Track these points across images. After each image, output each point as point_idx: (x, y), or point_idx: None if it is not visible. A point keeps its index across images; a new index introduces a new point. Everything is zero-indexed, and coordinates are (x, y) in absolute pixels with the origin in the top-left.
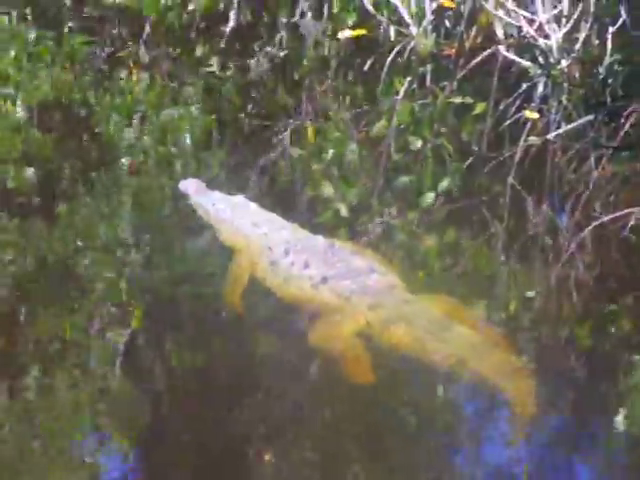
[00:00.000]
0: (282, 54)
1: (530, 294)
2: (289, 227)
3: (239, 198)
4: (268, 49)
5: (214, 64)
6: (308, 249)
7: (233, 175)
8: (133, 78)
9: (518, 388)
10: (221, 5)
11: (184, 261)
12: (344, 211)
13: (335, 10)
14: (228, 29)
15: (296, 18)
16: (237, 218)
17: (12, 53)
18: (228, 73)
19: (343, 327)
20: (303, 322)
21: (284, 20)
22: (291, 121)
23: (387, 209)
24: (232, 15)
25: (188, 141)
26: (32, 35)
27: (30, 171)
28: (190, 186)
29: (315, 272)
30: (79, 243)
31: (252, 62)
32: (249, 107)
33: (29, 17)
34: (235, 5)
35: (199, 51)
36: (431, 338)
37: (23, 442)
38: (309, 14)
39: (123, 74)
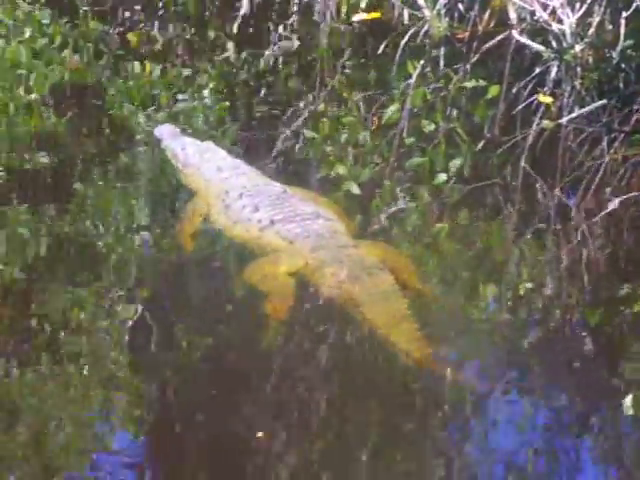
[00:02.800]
0: (295, 37)
1: (538, 277)
2: (250, 174)
3: (208, 144)
4: (281, 33)
5: (228, 49)
6: (261, 194)
7: (246, 156)
8: (147, 64)
9: (407, 336)
10: None
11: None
12: (355, 189)
13: None
14: (241, 13)
15: None
16: (203, 162)
17: (26, 36)
18: (242, 57)
19: (278, 266)
20: None
21: (297, 2)
22: (304, 105)
23: (399, 189)
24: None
25: (202, 125)
26: (46, 18)
27: (44, 153)
28: (164, 131)
29: (264, 215)
30: (92, 225)
31: (264, 45)
32: (262, 92)
33: (42, 1)
34: None
35: (212, 35)
36: (350, 281)
37: (34, 425)
38: None
39: (136, 58)
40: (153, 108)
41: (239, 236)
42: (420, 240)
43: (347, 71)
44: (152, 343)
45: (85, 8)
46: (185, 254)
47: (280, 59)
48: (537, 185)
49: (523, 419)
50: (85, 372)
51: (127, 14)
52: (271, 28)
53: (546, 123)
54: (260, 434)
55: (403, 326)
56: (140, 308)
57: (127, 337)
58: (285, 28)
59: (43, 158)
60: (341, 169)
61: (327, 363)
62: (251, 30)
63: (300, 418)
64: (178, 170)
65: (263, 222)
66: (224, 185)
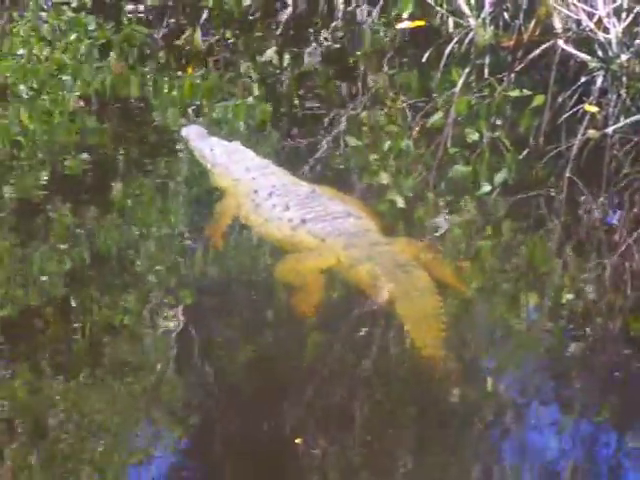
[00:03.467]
0: (337, 44)
1: (582, 288)
2: (279, 173)
3: (236, 144)
4: (324, 38)
5: (271, 53)
6: (291, 193)
7: (288, 162)
8: (189, 68)
9: (427, 335)
10: None
11: (237, 251)
12: (399, 200)
13: None
14: (284, 17)
15: (352, 7)
16: (232, 162)
17: (71, 42)
18: (285, 62)
19: (308, 263)
20: None
21: (341, 8)
22: (346, 112)
23: (443, 199)
24: (289, 4)
25: (243, 130)
26: (91, 24)
27: (86, 157)
28: (191, 132)
29: (295, 214)
30: (133, 231)
31: (308, 51)
32: (305, 97)
33: (88, 5)
34: None
35: (255, 39)
36: (386, 278)
37: (78, 431)
38: (364, 4)
39: (179, 62)
40: (195, 112)
41: (270, 235)
42: (464, 251)
43: (390, 78)
44: (194, 350)
45: (130, 15)
46: (224, 259)
47: (322, 64)
48: (582, 195)
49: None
50: (128, 381)
51: (172, 19)
52: (313, 34)
53: (592, 133)
54: (298, 440)
55: (429, 323)
56: (182, 315)
57: (169, 344)
58: (328, 33)
59: (85, 162)
60: (384, 178)
61: (363, 363)
62: (294, 35)
63: (337, 420)
64: (207, 170)
65: (294, 221)
66: (253, 184)
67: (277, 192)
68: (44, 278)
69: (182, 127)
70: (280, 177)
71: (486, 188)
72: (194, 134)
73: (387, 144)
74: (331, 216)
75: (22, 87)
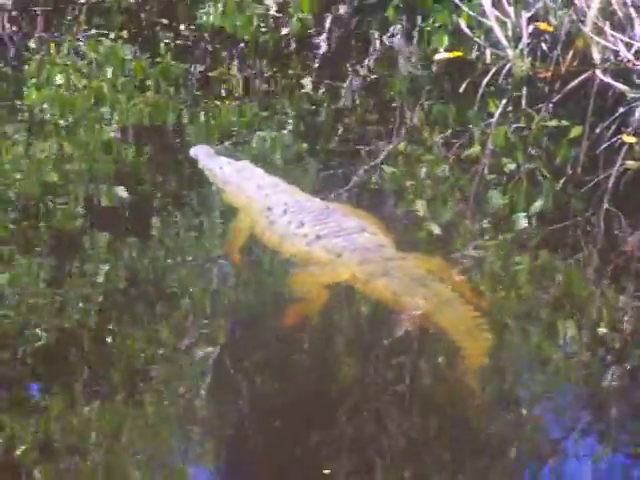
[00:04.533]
0: (374, 76)
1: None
2: (290, 190)
3: (245, 163)
4: (360, 71)
5: (307, 85)
6: (305, 210)
7: (325, 191)
8: (225, 100)
9: (473, 342)
10: (312, 29)
11: (271, 278)
12: (437, 230)
13: (428, 29)
14: (320, 52)
15: (387, 39)
16: (242, 180)
17: (108, 74)
18: (320, 94)
19: (322, 277)
20: None
21: (377, 41)
22: (383, 144)
23: (479, 228)
24: (323, 38)
25: (279, 162)
26: (128, 56)
27: (122, 190)
28: (200, 151)
29: (309, 231)
30: (169, 260)
31: (344, 84)
32: (341, 129)
33: (125, 37)
34: (326, 29)
35: (292, 72)
36: (405, 292)
37: (113, 456)
38: (399, 36)
39: (216, 95)
40: (231, 145)
41: (286, 251)
42: (500, 280)
43: (427, 109)
44: (229, 377)
45: (166, 45)
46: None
47: (359, 97)
48: (619, 225)
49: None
50: (164, 404)
51: (209, 49)
52: (349, 67)
53: (630, 163)
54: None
55: (474, 331)
56: (217, 343)
57: (204, 372)
58: (364, 66)
59: (122, 193)
60: (421, 207)
61: (399, 381)
62: (330, 68)
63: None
64: (218, 189)
65: (309, 237)
66: (266, 202)
67: (291, 209)
68: (80, 306)
69: (190, 148)
70: (292, 194)
71: (523, 217)
72: (203, 153)
73: (424, 173)
74: (345, 232)
75: (59, 117)
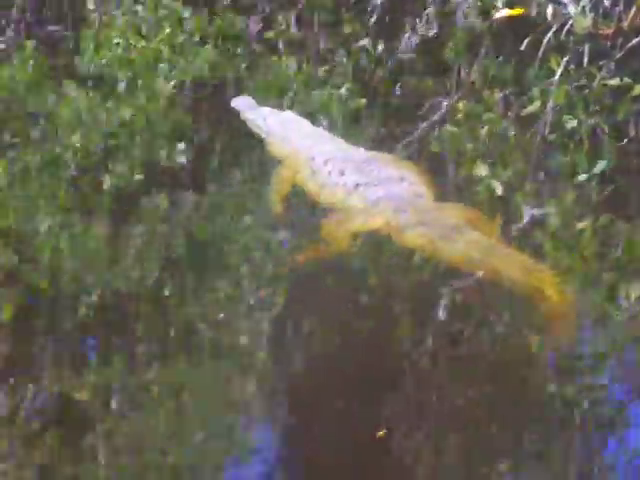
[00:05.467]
0: (432, 32)
1: None
2: (335, 141)
3: (289, 113)
4: (418, 26)
5: (365, 41)
6: (347, 159)
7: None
8: (283, 58)
9: (540, 278)
10: None
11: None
12: (499, 190)
13: None
14: (376, 5)
15: None
16: (287, 131)
17: (166, 30)
18: (379, 50)
19: (355, 223)
20: None
21: None
22: (442, 100)
23: (541, 188)
24: None
25: (338, 120)
26: (186, 13)
27: (183, 147)
28: (242, 103)
29: (349, 179)
30: (226, 220)
31: (402, 40)
32: (399, 86)
33: None
34: None
35: (349, 28)
36: (443, 241)
37: (170, 419)
38: None
39: (274, 53)
40: (290, 102)
41: (326, 200)
42: (562, 241)
43: (486, 67)
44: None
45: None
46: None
47: (417, 53)
48: None
49: None
50: (223, 372)
51: (266, 8)
52: (407, 22)
53: None
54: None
55: (534, 267)
56: (273, 310)
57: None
58: (422, 21)
59: (182, 153)
60: (482, 167)
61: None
62: (387, 22)
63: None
64: (263, 139)
65: (348, 185)
66: (310, 152)
67: (333, 158)
68: (138, 266)
69: (231, 99)
70: (337, 144)
71: (585, 177)
72: (244, 105)
73: (484, 131)
74: (385, 181)
75: (119, 76)
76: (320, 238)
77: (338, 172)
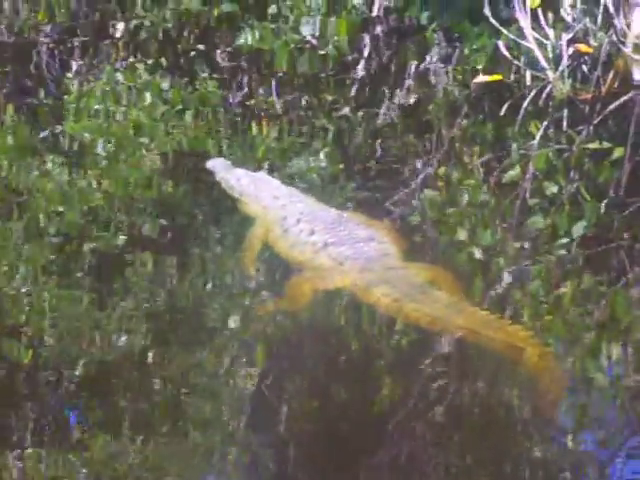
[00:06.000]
0: (412, 100)
1: None
2: (306, 201)
3: (261, 174)
4: (398, 95)
5: (345, 109)
6: (318, 219)
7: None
8: (264, 128)
9: (510, 333)
10: (349, 53)
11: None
12: (478, 254)
13: (466, 52)
14: (358, 76)
15: (425, 63)
16: (259, 191)
17: (147, 101)
18: (359, 117)
19: (322, 282)
20: None
21: (413, 64)
22: (421, 166)
23: (521, 252)
24: (362, 63)
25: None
26: (166, 83)
27: (162, 221)
28: (217, 164)
29: (318, 239)
30: (208, 288)
31: (382, 108)
32: (379, 153)
33: (163, 65)
34: (365, 53)
35: (330, 97)
36: (407, 300)
37: None
38: (437, 60)
39: (254, 123)
40: (269, 170)
41: (295, 259)
42: (542, 304)
43: (467, 132)
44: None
45: (204, 75)
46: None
47: (396, 119)
48: None
49: None
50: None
51: (245, 79)
52: (387, 92)
53: None
54: None
55: (498, 324)
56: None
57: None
58: (402, 90)
59: (161, 224)
60: (461, 233)
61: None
62: (367, 94)
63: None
64: (236, 199)
65: (317, 245)
66: (282, 212)
67: (305, 218)
68: (121, 335)
69: (207, 161)
70: (308, 204)
71: (565, 241)
72: (220, 166)
73: (464, 197)
74: (353, 240)
75: (99, 147)
76: (285, 294)
77: (308, 231)
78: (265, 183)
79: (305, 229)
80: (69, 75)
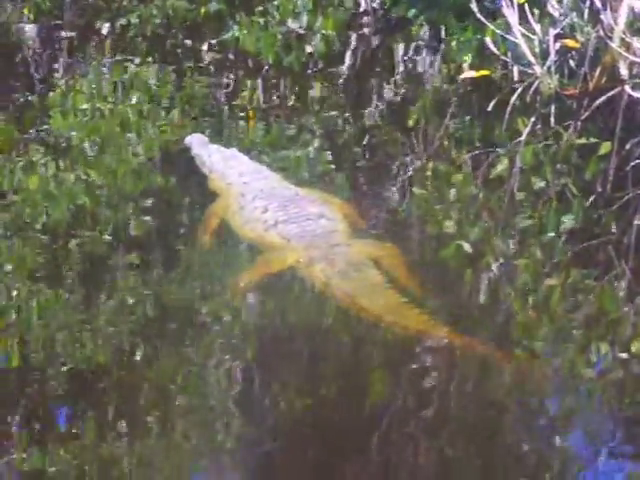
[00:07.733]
0: (399, 96)
1: None
2: (271, 178)
3: (233, 151)
4: (385, 91)
5: (332, 104)
6: (274, 197)
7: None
8: (250, 123)
9: (409, 317)
10: (336, 48)
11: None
12: (467, 247)
13: (453, 48)
14: (344, 70)
15: (412, 57)
16: (227, 168)
17: (134, 98)
18: (345, 115)
19: (273, 263)
20: None
21: (401, 59)
22: (409, 162)
23: (509, 247)
24: (347, 57)
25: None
26: (153, 79)
27: (149, 217)
28: (194, 140)
29: (270, 216)
30: (196, 286)
31: (368, 104)
32: (366, 150)
33: (150, 62)
34: (351, 47)
35: (316, 92)
36: (338, 278)
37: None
38: (425, 54)
39: (241, 118)
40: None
41: (246, 235)
42: (530, 298)
43: (453, 128)
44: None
45: (190, 65)
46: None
47: (385, 116)
48: None
49: None
50: (192, 431)
51: (231, 74)
52: (373, 87)
53: None
54: None
55: (406, 311)
56: (244, 369)
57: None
58: (390, 86)
59: (148, 220)
60: (450, 226)
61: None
62: (354, 89)
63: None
64: (206, 176)
65: (268, 222)
66: (242, 188)
67: (261, 195)
68: (108, 333)
69: (186, 137)
70: (270, 182)
71: (553, 235)
72: (196, 142)
73: (452, 193)
74: (303, 218)
75: (86, 144)
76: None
77: (262, 209)
78: (234, 159)
79: (259, 206)
80: (55, 72)
